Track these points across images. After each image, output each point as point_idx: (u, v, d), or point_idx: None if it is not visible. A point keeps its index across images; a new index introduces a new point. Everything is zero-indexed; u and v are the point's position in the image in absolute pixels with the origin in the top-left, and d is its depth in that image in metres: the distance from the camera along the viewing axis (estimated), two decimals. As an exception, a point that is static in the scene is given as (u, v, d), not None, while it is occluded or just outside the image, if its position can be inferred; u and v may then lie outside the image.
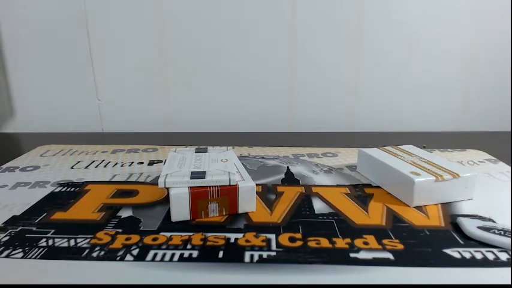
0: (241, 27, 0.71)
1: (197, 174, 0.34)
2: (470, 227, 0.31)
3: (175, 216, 0.34)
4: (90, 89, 0.74)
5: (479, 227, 0.31)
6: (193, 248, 0.29)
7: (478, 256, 0.28)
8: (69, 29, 0.71)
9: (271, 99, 0.74)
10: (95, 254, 0.28)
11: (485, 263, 0.27)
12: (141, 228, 0.32)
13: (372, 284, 0.26)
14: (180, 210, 0.33)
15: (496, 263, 0.27)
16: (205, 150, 0.43)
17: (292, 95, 0.74)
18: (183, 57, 0.72)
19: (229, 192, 0.34)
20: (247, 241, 0.30)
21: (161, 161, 0.51)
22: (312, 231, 0.32)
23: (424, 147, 0.58)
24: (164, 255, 0.28)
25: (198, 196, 0.33)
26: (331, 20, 0.70)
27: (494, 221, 0.34)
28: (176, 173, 0.35)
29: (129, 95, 0.74)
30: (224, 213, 0.35)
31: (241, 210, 0.35)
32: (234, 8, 0.70)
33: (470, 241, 0.30)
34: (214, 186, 0.34)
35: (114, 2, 0.70)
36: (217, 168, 0.36)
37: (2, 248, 0.29)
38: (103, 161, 0.52)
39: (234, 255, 0.28)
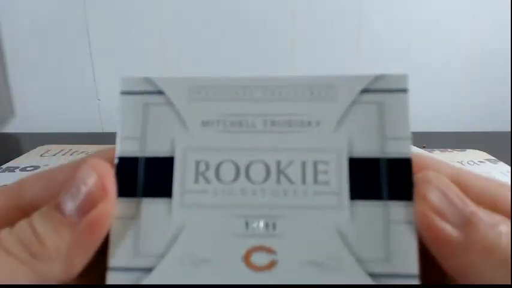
0: (241, 27, 0.71)
1: None
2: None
3: None
4: (90, 89, 0.74)
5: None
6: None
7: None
8: (69, 29, 0.71)
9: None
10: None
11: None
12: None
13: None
14: None
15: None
16: None
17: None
18: (183, 58, 0.72)
19: None
20: (247, 241, 0.30)
21: (161, 161, 0.51)
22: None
23: (424, 147, 0.58)
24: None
25: None
26: (331, 19, 0.70)
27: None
28: None
29: (129, 95, 0.74)
30: None
31: None
32: (234, 8, 0.70)
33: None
34: None
35: (114, 2, 0.70)
36: None
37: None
38: (103, 161, 0.51)
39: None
